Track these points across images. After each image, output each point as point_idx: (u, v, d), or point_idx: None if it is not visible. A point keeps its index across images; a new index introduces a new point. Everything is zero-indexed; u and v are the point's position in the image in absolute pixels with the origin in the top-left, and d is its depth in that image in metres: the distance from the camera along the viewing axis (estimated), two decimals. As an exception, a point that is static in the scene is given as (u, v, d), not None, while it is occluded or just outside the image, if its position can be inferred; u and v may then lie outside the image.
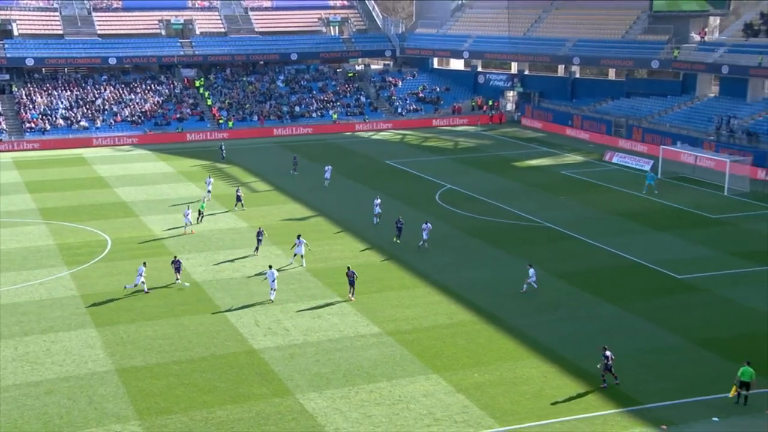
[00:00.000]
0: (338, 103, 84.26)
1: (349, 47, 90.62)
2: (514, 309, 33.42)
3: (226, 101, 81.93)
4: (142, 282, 35.31)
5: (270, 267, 35.25)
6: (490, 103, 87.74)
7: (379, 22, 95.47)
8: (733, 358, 28.44)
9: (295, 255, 39.00)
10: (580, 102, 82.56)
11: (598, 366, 27.31)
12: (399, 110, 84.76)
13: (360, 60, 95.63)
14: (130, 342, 30.34)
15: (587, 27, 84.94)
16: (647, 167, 60.93)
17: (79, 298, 34.79)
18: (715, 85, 75.42)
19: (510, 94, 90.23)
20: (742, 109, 68.32)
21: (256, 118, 79.66)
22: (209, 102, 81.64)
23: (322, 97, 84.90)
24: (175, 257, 37.02)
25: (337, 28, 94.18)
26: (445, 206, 50.50)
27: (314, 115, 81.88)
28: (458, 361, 28.70)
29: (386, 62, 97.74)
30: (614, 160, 64.49)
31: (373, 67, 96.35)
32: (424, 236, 41.20)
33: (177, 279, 36.08)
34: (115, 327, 31.68)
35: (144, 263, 36.30)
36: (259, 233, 40.92)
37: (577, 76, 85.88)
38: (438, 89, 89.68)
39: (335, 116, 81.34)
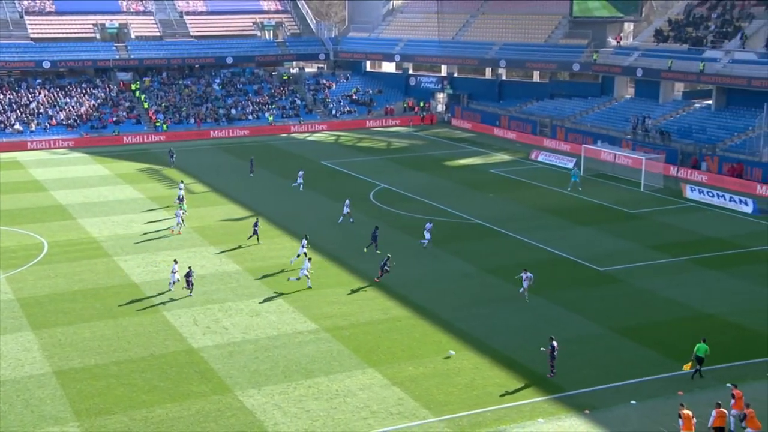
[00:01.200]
0: (274, 106, 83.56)
1: (283, 51, 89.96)
2: (447, 304, 33.72)
3: (163, 104, 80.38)
4: (178, 280, 34.32)
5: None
6: (421, 104, 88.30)
7: (312, 26, 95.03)
8: (650, 345, 29.32)
9: (298, 255, 37.97)
10: (507, 103, 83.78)
11: (542, 349, 27.91)
12: (333, 112, 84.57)
13: (294, 63, 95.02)
14: (68, 344, 29.52)
15: (513, 31, 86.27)
16: (571, 165, 62.23)
17: (15, 301, 33.66)
18: (631, 86, 77.52)
19: (440, 95, 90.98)
20: (655, 109, 70.39)
21: (192, 120, 78.39)
22: (146, 105, 79.96)
23: (257, 100, 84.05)
24: (189, 268, 34.46)
25: (271, 32, 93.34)
26: (380, 205, 50.62)
27: (250, 117, 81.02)
28: (393, 355, 28.81)
29: (320, 65, 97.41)
30: (540, 158, 65.67)
31: (307, 70, 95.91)
32: (427, 237, 40.44)
33: (190, 293, 33.96)
34: (53, 329, 30.77)
35: (175, 260, 35.28)
36: (255, 224, 41.58)
37: (504, 78, 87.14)
38: (371, 91, 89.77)
39: (271, 118, 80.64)
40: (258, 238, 41.83)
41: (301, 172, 55.92)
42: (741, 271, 37.31)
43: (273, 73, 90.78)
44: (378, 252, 39.99)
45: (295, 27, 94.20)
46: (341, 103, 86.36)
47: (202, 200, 51.83)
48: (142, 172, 60.67)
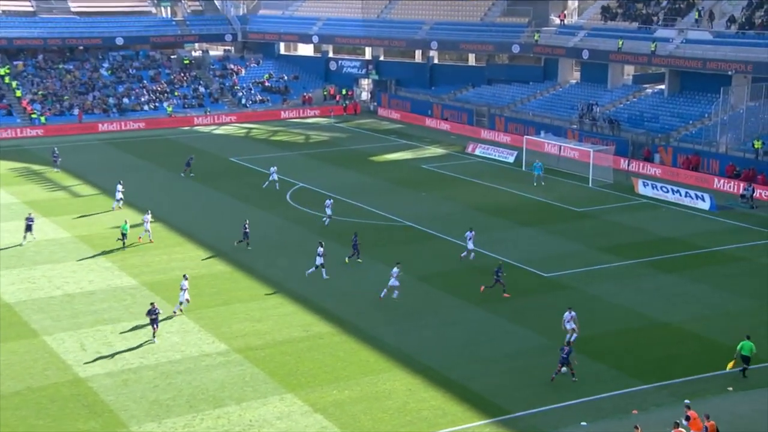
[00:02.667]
0: (174, 94, 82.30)
1: (183, 31, 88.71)
2: (375, 317, 33.82)
3: (39, 92, 78.13)
4: (188, 300, 33.66)
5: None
6: (344, 92, 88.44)
7: (217, 3, 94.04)
8: (602, 358, 30.04)
9: (316, 266, 37.77)
10: (440, 90, 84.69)
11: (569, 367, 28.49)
12: (243, 101, 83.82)
13: (197, 45, 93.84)
14: (-72, 379, 28.33)
15: (445, 9, 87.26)
16: (511, 158, 63.32)
17: None
18: (576, 70, 79.34)
19: (365, 82, 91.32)
20: (603, 95, 72.27)
21: (77, 111, 76.43)
22: (18, 93, 77.58)
23: (154, 88, 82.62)
24: (152, 305, 32.09)
25: (168, 9, 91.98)
26: (297, 207, 50.42)
27: (146, 108, 79.58)
28: (315, 378, 28.72)
29: (227, 48, 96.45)
30: (477, 152, 66.57)
31: (212, 53, 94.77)
32: (470, 246, 39.85)
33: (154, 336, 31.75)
34: None
35: (185, 276, 34.35)
36: (245, 226, 41.58)
37: (436, 61, 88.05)
38: (286, 77, 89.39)
39: (170, 109, 79.37)
40: (248, 243, 41.79)
41: (273, 168, 55.44)
42: (699, 275, 38.60)
43: (172, 57, 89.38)
44: (359, 261, 39.93)
45: (197, 3, 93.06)
46: (252, 92, 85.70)
47: (91, 204, 50.59)
48: (16, 173, 58.80)
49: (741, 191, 51.42)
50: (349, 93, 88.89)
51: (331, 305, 34.94)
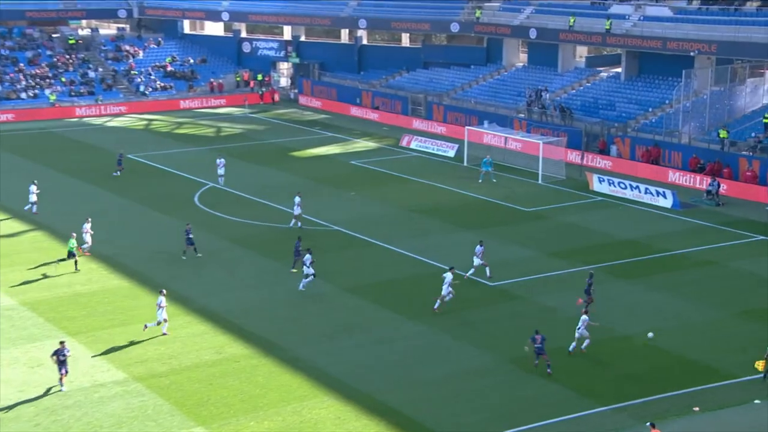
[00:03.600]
0: (57, 80, 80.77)
1: (67, 5, 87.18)
2: (298, 335, 33.77)
3: None
4: (165, 320, 33.48)
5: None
6: (260, 78, 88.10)
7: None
8: (557, 378, 30.48)
9: (307, 276, 37.71)
10: (370, 75, 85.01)
11: (526, 348, 30.80)
12: (141, 89, 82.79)
13: (84, 22, 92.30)
14: None
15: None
16: (451, 152, 63.89)
17: None
18: (523, 52, 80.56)
19: (283, 66, 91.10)
20: (553, 80, 73.51)
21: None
22: None
23: (33, 72, 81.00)
24: (62, 344, 29.99)
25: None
26: (207, 210, 50.04)
27: (23, 95, 77.97)
28: (230, 408, 28.54)
29: (121, 26, 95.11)
30: (412, 145, 67.01)
31: (102, 32, 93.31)
32: (477, 262, 39.03)
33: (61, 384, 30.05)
34: None
35: (162, 292, 34.08)
36: (187, 231, 41.80)
37: (365, 42, 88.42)
38: (192, 61, 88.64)
39: (53, 97, 77.95)
40: (195, 249, 41.95)
41: (221, 161, 55.29)
42: (661, 282, 39.51)
43: (54, 36, 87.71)
44: (293, 270, 39.92)
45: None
46: (151, 77, 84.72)
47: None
48: None
49: (706, 186, 52.79)
50: (266, 79, 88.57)
51: (247, 323, 34.76)
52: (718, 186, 52.19)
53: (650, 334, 33.15)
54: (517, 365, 31.40)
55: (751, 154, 55.71)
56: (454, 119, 72.03)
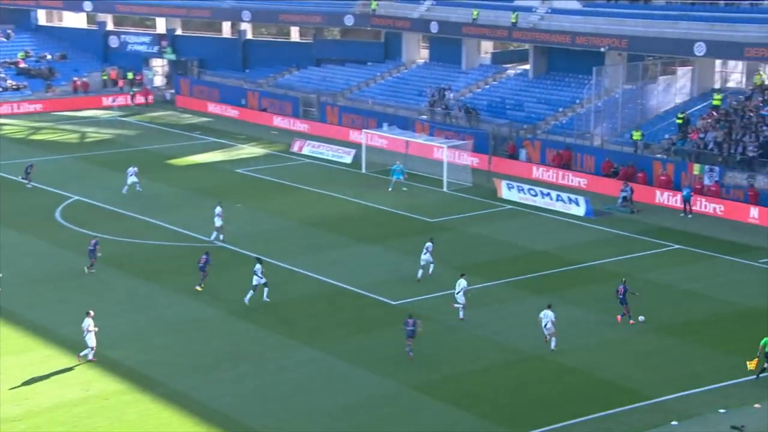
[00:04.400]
0: None
1: None
2: (177, 366, 33.44)
3: None
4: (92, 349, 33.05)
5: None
6: (130, 76, 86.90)
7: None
8: (465, 405, 30.91)
9: (254, 288, 38.84)
10: (256, 73, 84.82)
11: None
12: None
13: None
14: None
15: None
16: (348, 158, 64.16)
17: None
18: (424, 47, 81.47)
19: (158, 63, 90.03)
20: (457, 78, 74.53)
21: None
22: None
23: None
24: None
25: None
26: (71, 227, 49.29)
27: None
28: (102, 452, 28.15)
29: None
30: (305, 150, 67.08)
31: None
32: (426, 261, 41.73)
33: None
34: None
35: (88, 313, 33.61)
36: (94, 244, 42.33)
37: (250, 36, 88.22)
38: (50, 57, 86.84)
39: None
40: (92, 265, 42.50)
41: (132, 170, 55.14)
42: (574, 296, 40.43)
43: None
44: (199, 288, 39.95)
45: None
46: (1, 75, 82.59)
47: None
48: None
49: (620, 192, 54.14)
50: (138, 78, 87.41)
51: (117, 353, 34.24)
52: (632, 192, 53.66)
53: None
54: (422, 392, 31.77)
55: (665, 157, 57.56)
56: (351, 122, 72.37)
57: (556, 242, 47.92)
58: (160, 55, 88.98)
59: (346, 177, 60.84)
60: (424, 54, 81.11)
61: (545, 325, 34.99)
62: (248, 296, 38.99)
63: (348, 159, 64.46)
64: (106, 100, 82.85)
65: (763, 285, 41.69)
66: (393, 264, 44.38)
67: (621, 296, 37.24)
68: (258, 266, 39.12)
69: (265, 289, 39.29)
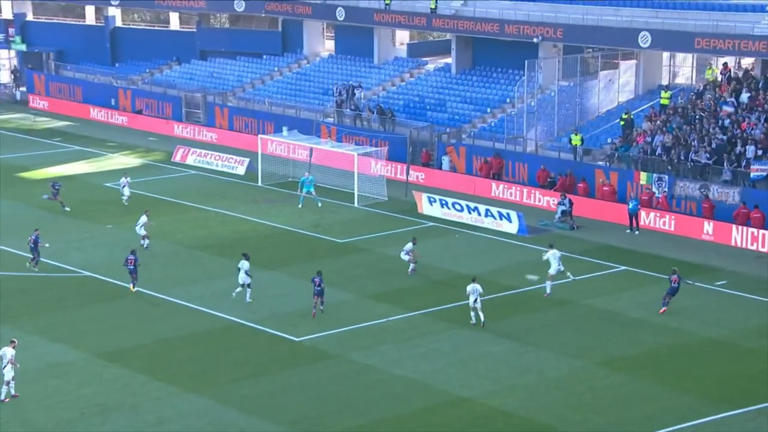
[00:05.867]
0: None
1: None
2: (31, 423, 32.83)
3: None
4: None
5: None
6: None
7: None
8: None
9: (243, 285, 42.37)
10: (128, 68, 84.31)
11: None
12: None
13: None
14: None
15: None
16: (241, 169, 64.01)
17: None
18: (329, 37, 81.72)
19: (4, 55, 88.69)
20: (369, 74, 75.03)
21: None
22: None
23: None
24: None
25: None
26: None
27: None
28: None
29: None
30: (190, 160, 66.81)
31: None
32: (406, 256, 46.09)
33: None
34: None
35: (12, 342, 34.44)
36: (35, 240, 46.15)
37: (119, 24, 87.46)
38: None
39: None
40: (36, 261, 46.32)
41: (125, 179, 56.38)
42: (506, 327, 40.73)
43: None
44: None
45: None
46: None
47: None
48: None
49: (556, 206, 54.88)
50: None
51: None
52: (571, 204, 54.43)
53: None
54: (332, 444, 31.85)
55: (607, 164, 58.65)
56: (244, 125, 72.29)
57: (486, 264, 48.41)
58: (6, 45, 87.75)
59: (239, 191, 60.75)
60: (329, 45, 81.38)
61: (474, 301, 39.40)
62: (236, 291, 42.79)
63: (241, 170, 64.37)
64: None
65: (722, 311, 42.71)
66: (295, 293, 44.34)
67: (674, 285, 40.59)
68: (245, 263, 42.46)
69: (248, 290, 42.65)
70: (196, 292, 44.25)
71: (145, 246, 48.97)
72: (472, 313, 40.77)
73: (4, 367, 33.90)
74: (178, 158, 67.45)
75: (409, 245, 46.38)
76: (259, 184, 61.48)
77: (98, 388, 35.50)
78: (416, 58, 76.62)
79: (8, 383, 33.85)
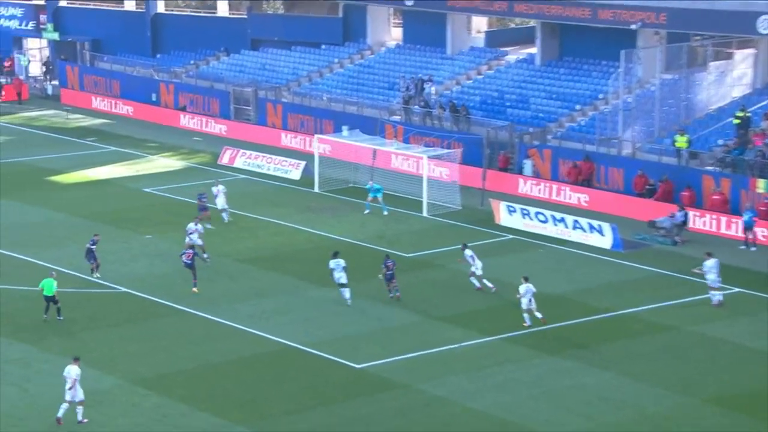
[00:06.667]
0: None
1: None
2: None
3: None
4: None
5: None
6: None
7: None
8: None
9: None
10: (171, 59, 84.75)
11: (380, 276, 42.69)
12: None
13: None
14: None
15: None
16: (296, 173, 63.89)
17: None
18: (396, 25, 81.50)
19: (35, 44, 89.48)
20: (441, 66, 74.62)
21: None
22: None
23: None
24: None
25: None
26: None
27: None
28: None
29: None
30: (238, 163, 66.84)
31: None
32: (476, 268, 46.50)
33: None
34: None
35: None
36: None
37: (161, 10, 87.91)
38: None
39: None
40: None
41: (218, 189, 55.98)
42: (599, 357, 40.11)
43: None
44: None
45: None
46: None
47: None
48: None
49: (669, 215, 53.73)
50: (6, 64, 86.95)
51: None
52: (686, 217, 53.30)
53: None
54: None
55: (718, 169, 57.62)
56: (299, 124, 72.18)
57: (573, 283, 47.91)
58: (37, 34, 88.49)
59: (293, 198, 60.66)
60: (395, 34, 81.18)
61: (529, 302, 41.72)
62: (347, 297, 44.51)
63: (296, 174, 64.28)
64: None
65: None
66: (355, 313, 44.06)
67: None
68: (341, 260, 44.45)
69: (347, 290, 44.47)
70: (245, 311, 44.06)
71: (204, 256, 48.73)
72: (526, 315, 42.20)
73: (70, 387, 34.17)
74: (225, 160, 67.52)
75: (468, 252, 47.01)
76: (316, 190, 61.32)
77: (136, 418, 35.45)
78: (495, 48, 76.08)
79: (81, 402, 34.30)
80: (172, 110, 78.35)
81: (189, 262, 45.62)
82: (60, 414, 34.07)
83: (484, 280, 46.20)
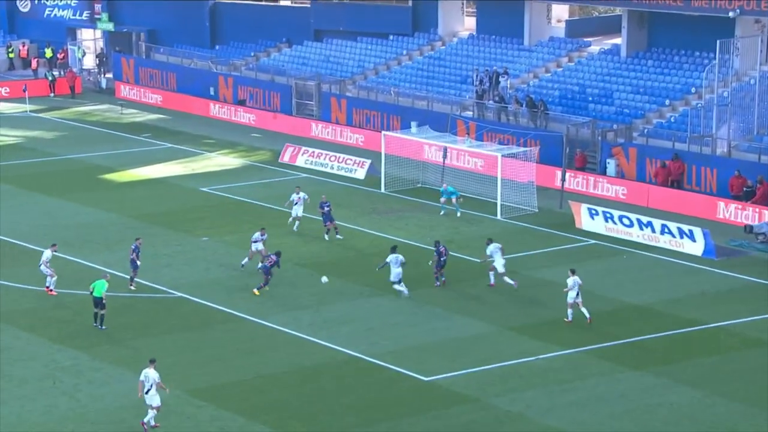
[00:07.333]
0: None
1: None
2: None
3: None
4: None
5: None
6: (49, 55, 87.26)
7: None
8: None
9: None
10: (231, 51, 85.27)
11: (430, 263, 46.03)
12: None
13: None
14: None
15: None
16: (361, 172, 64.00)
17: None
18: (469, 14, 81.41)
19: (89, 36, 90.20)
20: (518, 58, 74.48)
21: None
22: None
23: None
24: None
25: None
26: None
27: None
28: None
29: None
30: (300, 161, 67.10)
31: None
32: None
33: None
34: None
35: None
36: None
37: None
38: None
39: None
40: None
41: (299, 196, 55.42)
42: (688, 372, 39.74)
43: None
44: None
45: None
46: None
47: None
48: None
49: (758, 221, 53.48)
50: (60, 56, 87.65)
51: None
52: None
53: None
54: None
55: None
56: (365, 120, 72.30)
57: (661, 293, 47.55)
58: (92, 24, 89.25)
59: (357, 198, 60.83)
60: (469, 24, 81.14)
61: (576, 295, 43.01)
62: (404, 292, 46.03)
63: (361, 173, 64.46)
64: (12, 88, 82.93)
65: None
66: (423, 323, 44.11)
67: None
68: (400, 256, 46.19)
69: (402, 285, 46.06)
70: (306, 319, 44.22)
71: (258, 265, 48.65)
72: (570, 311, 43.42)
73: (147, 390, 34.86)
74: (286, 158, 67.81)
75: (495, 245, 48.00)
76: (382, 190, 61.41)
77: (192, 431, 35.63)
78: (577, 39, 75.88)
79: (157, 408, 34.99)
80: (232, 104, 78.72)
81: (268, 267, 46.32)
82: (150, 420, 34.87)
83: (505, 277, 46.77)
